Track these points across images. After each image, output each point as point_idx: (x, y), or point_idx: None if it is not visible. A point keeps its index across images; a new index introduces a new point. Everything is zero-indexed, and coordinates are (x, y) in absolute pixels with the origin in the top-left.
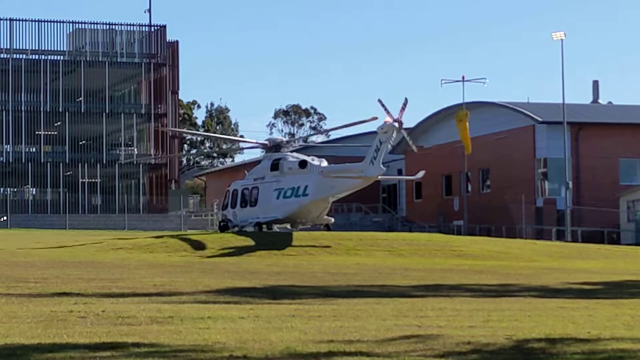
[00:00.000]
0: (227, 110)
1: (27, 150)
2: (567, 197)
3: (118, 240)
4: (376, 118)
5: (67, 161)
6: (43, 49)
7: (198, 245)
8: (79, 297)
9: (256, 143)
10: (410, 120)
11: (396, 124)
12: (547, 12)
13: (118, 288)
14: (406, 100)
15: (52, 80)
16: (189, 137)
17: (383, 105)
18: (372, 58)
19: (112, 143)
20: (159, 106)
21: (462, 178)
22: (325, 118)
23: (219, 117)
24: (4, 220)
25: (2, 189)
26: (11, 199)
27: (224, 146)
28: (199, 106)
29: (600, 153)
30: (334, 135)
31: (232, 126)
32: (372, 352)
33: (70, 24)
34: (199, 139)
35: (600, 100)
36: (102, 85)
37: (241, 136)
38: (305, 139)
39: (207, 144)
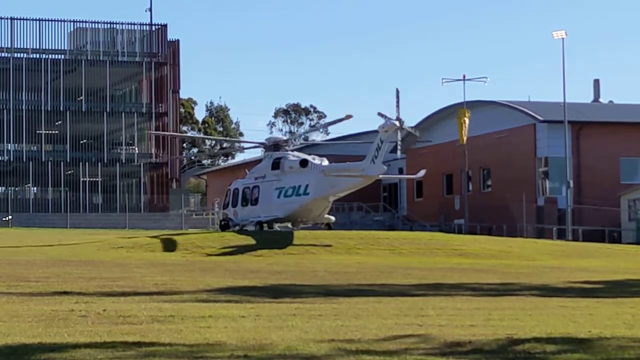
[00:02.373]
0: (227, 109)
1: (28, 149)
2: (568, 196)
3: (119, 239)
4: (351, 116)
5: (68, 160)
6: (44, 48)
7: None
8: (80, 296)
9: (255, 143)
10: (412, 118)
11: (397, 123)
12: (548, 10)
13: (119, 287)
14: (415, 131)
15: (53, 79)
16: (190, 136)
17: (397, 97)
18: (373, 57)
19: (113, 142)
20: (160, 105)
21: (463, 177)
22: (325, 116)
23: (219, 115)
24: (9, 219)
25: (3, 188)
26: (12, 198)
27: (225, 145)
28: (195, 103)
29: (601, 152)
30: (334, 134)
31: (234, 125)
32: (373, 351)
33: (71, 23)
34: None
35: (601, 99)
36: (103, 84)
37: (241, 134)
38: (306, 138)
39: (208, 143)
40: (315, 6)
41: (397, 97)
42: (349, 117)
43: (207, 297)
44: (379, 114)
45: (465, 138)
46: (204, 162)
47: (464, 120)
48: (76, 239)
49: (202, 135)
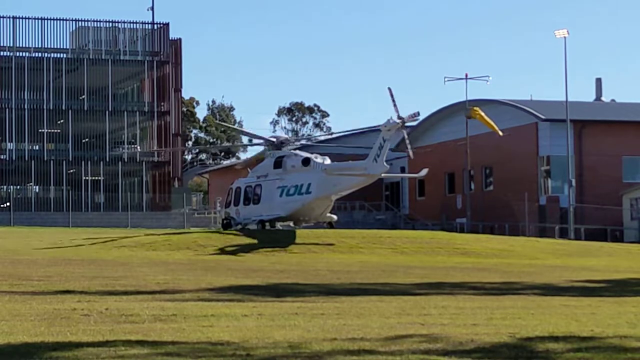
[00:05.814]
0: (232, 108)
1: (30, 148)
2: (570, 195)
3: (121, 238)
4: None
5: (70, 159)
6: (46, 46)
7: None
8: (82, 294)
9: (263, 139)
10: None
11: (399, 122)
12: (550, 9)
13: (121, 286)
14: (418, 113)
15: (55, 78)
16: (192, 135)
17: (392, 95)
18: (375, 55)
19: (115, 141)
20: (162, 104)
21: (465, 176)
22: (328, 115)
23: (221, 114)
24: (6, 205)
25: (5, 187)
26: (14, 196)
27: (229, 143)
28: (197, 103)
29: (603, 151)
30: (337, 132)
31: (237, 125)
32: (375, 350)
33: (73, 22)
34: (203, 136)
35: (603, 98)
36: (105, 83)
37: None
38: (309, 138)
39: (213, 142)
40: (317, 5)
41: (391, 95)
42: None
43: (210, 296)
44: (389, 89)
45: (497, 129)
46: (208, 161)
47: (481, 114)
48: (78, 237)
49: (225, 124)
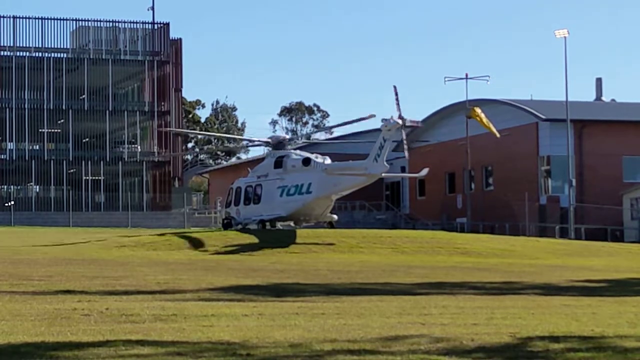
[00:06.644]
0: (235, 109)
1: (30, 148)
2: (571, 195)
3: (121, 237)
4: (374, 115)
5: (71, 159)
6: (46, 46)
7: (197, 244)
8: (83, 294)
9: (259, 141)
10: (414, 117)
11: (400, 121)
12: (550, 9)
13: (121, 286)
14: (421, 124)
15: (56, 78)
16: (193, 135)
17: (396, 94)
18: (376, 55)
19: (115, 141)
20: (162, 104)
21: (465, 175)
22: (328, 115)
23: (222, 115)
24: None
25: (5, 187)
26: (15, 196)
27: (230, 144)
28: (203, 106)
29: (603, 150)
30: (337, 132)
31: (240, 125)
32: (376, 350)
33: (74, 22)
34: (203, 137)
35: (603, 98)
36: (105, 83)
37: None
38: (308, 137)
39: (212, 142)
40: (318, 5)
41: (396, 93)
42: (371, 116)
43: (210, 296)
44: (383, 120)
45: (495, 131)
46: (209, 161)
47: (480, 117)
48: (79, 237)
49: (207, 133)
